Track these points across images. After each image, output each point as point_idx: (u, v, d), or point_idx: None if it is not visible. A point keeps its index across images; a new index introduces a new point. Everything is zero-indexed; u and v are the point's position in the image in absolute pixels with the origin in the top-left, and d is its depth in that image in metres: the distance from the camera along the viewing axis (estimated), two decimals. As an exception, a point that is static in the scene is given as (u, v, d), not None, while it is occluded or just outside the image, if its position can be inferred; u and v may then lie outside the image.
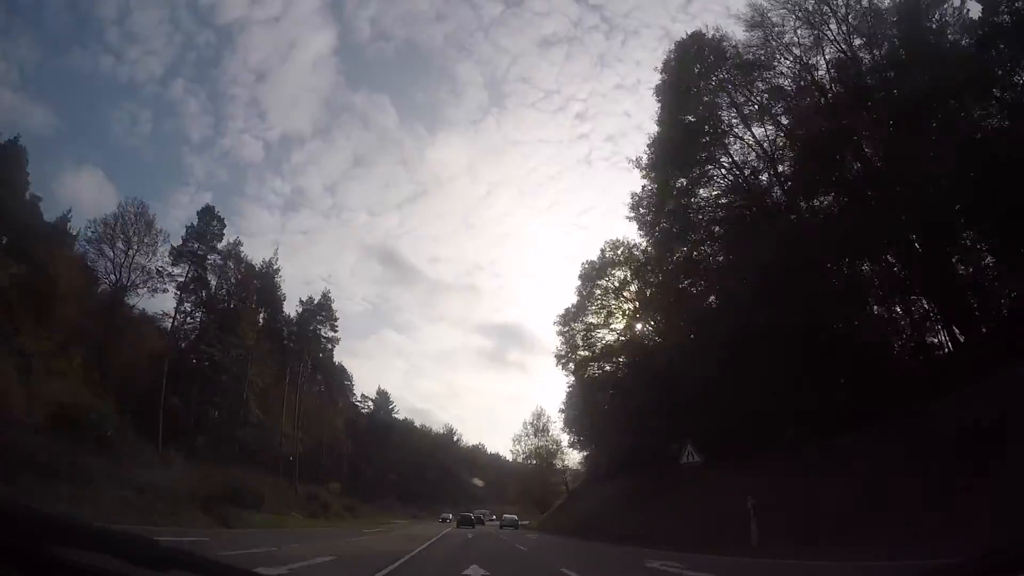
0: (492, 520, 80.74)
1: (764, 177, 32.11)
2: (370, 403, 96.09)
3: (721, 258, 32.32)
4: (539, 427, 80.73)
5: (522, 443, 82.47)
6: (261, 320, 57.42)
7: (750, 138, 32.23)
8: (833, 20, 28.57)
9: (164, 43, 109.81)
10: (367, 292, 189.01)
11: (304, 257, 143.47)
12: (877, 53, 27.61)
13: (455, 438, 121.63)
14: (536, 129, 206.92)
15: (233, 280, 51.22)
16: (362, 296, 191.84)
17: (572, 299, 51.46)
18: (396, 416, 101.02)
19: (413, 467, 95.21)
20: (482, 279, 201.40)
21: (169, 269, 44.60)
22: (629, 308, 46.91)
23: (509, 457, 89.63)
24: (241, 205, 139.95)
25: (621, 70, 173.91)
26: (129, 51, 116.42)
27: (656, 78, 35.89)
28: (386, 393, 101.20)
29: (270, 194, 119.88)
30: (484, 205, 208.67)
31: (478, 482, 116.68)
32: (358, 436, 79.07)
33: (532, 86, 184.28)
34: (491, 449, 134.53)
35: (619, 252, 47.53)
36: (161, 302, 63.03)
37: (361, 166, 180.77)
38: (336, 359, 78.46)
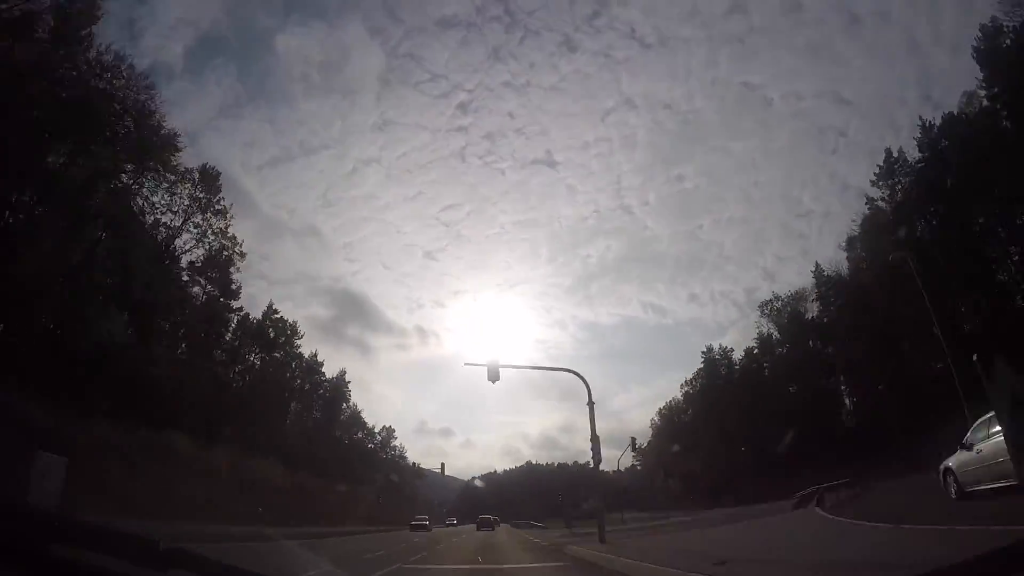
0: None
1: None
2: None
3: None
4: None
5: None
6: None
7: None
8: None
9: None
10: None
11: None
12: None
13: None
14: (415, 112, 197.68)
15: None
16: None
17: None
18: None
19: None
20: (336, 253, 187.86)
21: None
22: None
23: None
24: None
25: (513, 67, 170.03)
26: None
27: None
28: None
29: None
30: (349, 183, 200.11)
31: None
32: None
33: (420, 65, 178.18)
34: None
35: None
36: None
37: (227, 117, 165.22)
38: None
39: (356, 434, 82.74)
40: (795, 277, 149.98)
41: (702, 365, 76.12)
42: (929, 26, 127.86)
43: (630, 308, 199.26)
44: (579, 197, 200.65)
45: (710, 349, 76.09)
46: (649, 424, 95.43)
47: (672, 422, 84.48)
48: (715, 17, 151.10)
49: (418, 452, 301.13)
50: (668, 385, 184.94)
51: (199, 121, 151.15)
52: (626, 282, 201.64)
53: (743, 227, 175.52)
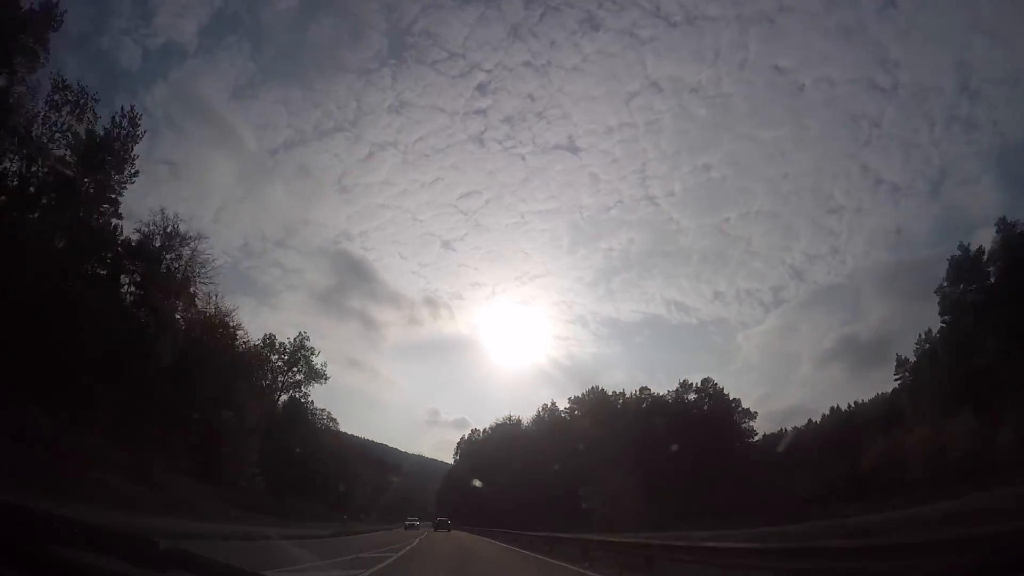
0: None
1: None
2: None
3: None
4: None
5: None
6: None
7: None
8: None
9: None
10: (231, 241, 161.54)
11: (165, 192, 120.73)
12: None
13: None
14: (432, 93, 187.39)
15: None
16: (223, 247, 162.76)
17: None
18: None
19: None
20: (354, 240, 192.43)
21: None
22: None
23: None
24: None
25: (534, 46, 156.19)
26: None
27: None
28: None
29: (139, 111, 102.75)
30: (364, 168, 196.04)
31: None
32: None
33: (437, 44, 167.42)
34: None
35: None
36: None
37: (240, 98, 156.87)
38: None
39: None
40: (824, 277, 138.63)
41: None
42: (966, 10, 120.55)
43: (653, 305, 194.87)
44: (602, 186, 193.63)
45: None
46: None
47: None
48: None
49: (431, 445, 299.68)
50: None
51: (213, 101, 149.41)
52: (650, 277, 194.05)
53: (771, 221, 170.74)
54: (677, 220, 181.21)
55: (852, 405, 64.06)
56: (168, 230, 38.10)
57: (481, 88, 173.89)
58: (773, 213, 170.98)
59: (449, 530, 52.26)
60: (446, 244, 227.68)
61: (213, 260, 40.65)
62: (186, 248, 39.18)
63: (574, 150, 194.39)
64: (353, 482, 72.02)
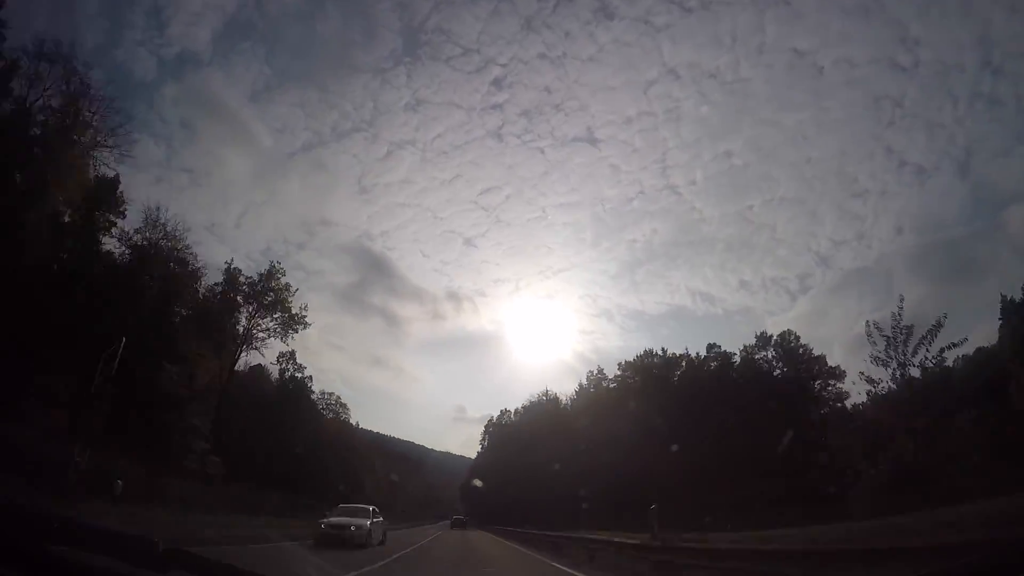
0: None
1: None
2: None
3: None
4: None
5: None
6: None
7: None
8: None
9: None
10: (254, 246, 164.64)
11: (186, 199, 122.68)
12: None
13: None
14: (448, 90, 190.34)
15: None
16: (246, 252, 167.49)
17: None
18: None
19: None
20: (375, 241, 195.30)
21: None
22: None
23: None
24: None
25: (548, 38, 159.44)
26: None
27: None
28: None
29: (157, 121, 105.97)
30: (383, 167, 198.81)
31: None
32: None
33: (450, 40, 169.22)
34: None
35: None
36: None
37: (256, 103, 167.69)
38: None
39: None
40: (851, 262, 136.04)
41: None
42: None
43: (678, 296, 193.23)
44: (623, 177, 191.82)
45: None
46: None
47: None
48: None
49: (458, 442, 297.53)
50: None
51: (231, 107, 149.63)
52: (674, 268, 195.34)
53: (795, 207, 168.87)
54: (700, 209, 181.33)
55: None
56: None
57: (497, 82, 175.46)
58: (797, 199, 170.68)
59: (464, 528, 49.61)
60: (468, 241, 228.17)
61: (125, 122, 28.77)
62: (81, 97, 27.22)
63: (593, 141, 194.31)
64: (364, 477, 69.13)
